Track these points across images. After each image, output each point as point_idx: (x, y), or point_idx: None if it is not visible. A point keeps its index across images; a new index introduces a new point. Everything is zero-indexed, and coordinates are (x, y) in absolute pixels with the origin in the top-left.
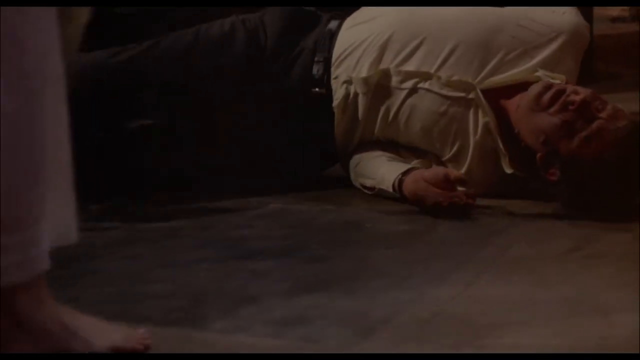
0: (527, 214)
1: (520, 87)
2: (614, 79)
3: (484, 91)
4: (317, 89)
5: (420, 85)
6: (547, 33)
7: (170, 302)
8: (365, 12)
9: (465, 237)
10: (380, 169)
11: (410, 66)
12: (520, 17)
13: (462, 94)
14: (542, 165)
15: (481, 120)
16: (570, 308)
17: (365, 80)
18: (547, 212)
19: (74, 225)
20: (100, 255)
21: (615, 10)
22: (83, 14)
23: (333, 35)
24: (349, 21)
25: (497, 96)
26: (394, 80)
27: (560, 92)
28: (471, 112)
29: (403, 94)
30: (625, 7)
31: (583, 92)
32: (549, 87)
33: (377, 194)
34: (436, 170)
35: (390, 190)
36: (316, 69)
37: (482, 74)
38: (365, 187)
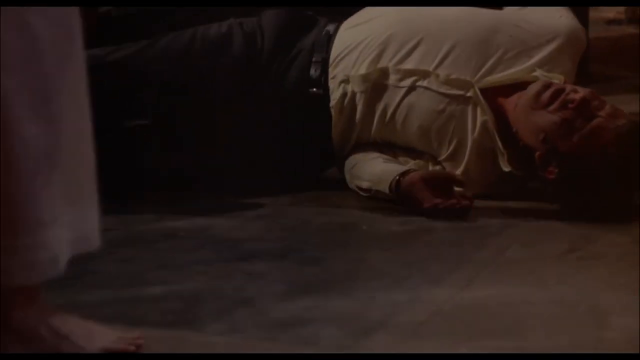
0: (524, 215)
1: (518, 86)
2: (610, 81)
3: (482, 90)
4: (314, 89)
5: (419, 83)
6: (545, 34)
7: (166, 304)
8: (363, 14)
9: (463, 238)
10: (377, 171)
11: (408, 65)
12: (517, 19)
13: (461, 92)
14: (540, 164)
15: (479, 119)
16: (568, 309)
17: (363, 78)
18: (544, 214)
19: (96, 231)
20: (97, 257)
21: (611, 13)
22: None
23: (331, 37)
24: (347, 23)
25: (495, 95)
26: (392, 79)
27: (560, 90)
28: (469, 110)
29: (401, 92)
30: (621, 10)
31: (582, 91)
32: (548, 85)
33: (373, 196)
34: (434, 172)
35: (387, 191)
36: (314, 70)
37: (480, 73)
38: (361, 189)
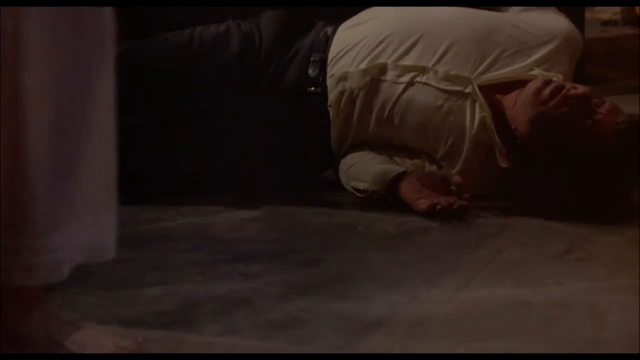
0: (519, 217)
1: (516, 84)
2: (606, 82)
3: (480, 87)
4: (312, 88)
5: (418, 79)
6: (543, 35)
7: (162, 305)
8: (362, 15)
9: (458, 240)
10: (374, 172)
11: (407, 61)
12: (516, 20)
13: (459, 88)
14: (538, 161)
15: (478, 115)
16: (563, 311)
17: (362, 73)
18: (541, 214)
19: (112, 242)
20: None
21: (606, 14)
22: None
23: (329, 37)
24: (345, 24)
25: (493, 92)
26: (391, 75)
27: (560, 87)
28: (468, 106)
29: (400, 88)
30: (617, 11)
31: (582, 88)
32: (548, 82)
33: (369, 197)
34: (432, 173)
35: (384, 192)
36: (312, 69)
37: (479, 70)
38: (357, 190)
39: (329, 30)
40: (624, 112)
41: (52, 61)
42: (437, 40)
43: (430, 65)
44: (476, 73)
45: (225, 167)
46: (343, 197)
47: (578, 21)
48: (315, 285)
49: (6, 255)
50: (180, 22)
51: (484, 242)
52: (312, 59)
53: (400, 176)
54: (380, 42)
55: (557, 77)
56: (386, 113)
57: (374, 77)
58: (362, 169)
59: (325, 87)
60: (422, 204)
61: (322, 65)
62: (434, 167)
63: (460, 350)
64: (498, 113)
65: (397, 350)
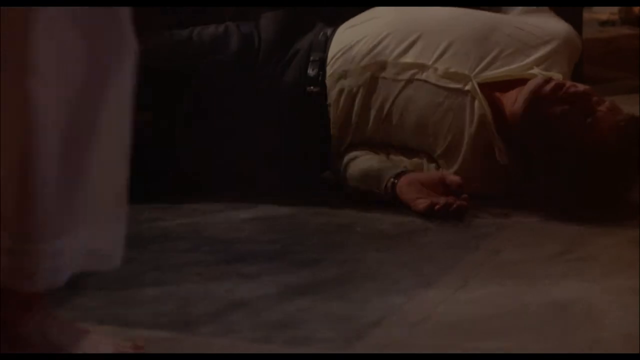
0: (516, 217)
1: (516, 83)
2: (604, 82)
3: (480, 85)
4: (311, 87)
5: (417, 76)
6: (543, 36)
7: (160, 305)
8: (362, 16)
9: (455, 240)
10: (372, 172)
11: (407, 59)
12: (515, 21)
13: (459, 86)
14: (538, 159)
15: (477, 112)
16: (560, 311)
17: (361, 70)
18: (537, 216)
19: (118, 251)
20: None
21: (604, 14)
22: None
23: (329, 37)
24: (345, 24)
25: (492, 90)
26: (391, 72)
27: (561, 84)
28: (467, 104)
29: (399, 85)
30: (615, 11)
31: (582, 86)
32: (548, 80)
33: (368, 197)
34: (431, 174)
35: (382, 193)
36: (311, 69)
37: (479, 68)
38: (355, 189)
39: (329, 31)
40: (623, 111)
41: (63, 67)
42: (437, 39)
43: (430, 63)
44: (476, 71)
45: (225, 167)
46: (342, 197)
47: (576, 21)
48: (314, 286)
49: (7, 258)
50: (180, 22)
51: (482, 243)
52: (311, 58)
53: (398, 176)
54: (380, 42)
55: (556, 77)
56: (385, 110)
57: (374, 75)
58: (360, 168)
59: (324, 86)
60: (421, 203)
61: (322, 64)
62: (433, 166)
63: (459, 350)
64: (497, 111)
65: (395, 350)
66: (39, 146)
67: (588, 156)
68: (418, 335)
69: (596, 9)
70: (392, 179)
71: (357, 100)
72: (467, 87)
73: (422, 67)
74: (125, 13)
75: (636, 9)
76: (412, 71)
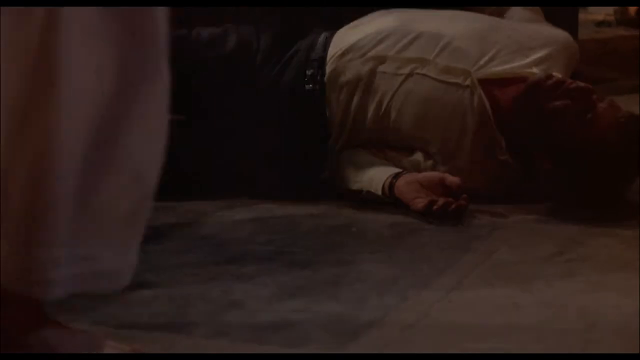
0: (512, 218)
1: (515, 81)
2: (600, 83)
3: (479, 81)
4: (310, 86)
5: (417, 70)
6: (541, 38)
7: (155, 306)
8: (362, 19)
9: (450, 241)
10: (369, 172)
11: (408, 54)
12: (514, 24)
13: (459, 81)
14: (538, 154)
15: (477, 108)
16: (554, 312)
17: (362, 64)
18: (532, 217)
19: (127, 271)
20: None
21: (600, 15)
22: None
23: (329, 38)
24: (346, 27)
25: (492, 87)
26: (391, 67)
27: (562, 80)
28: (467, 99)
29: (399, 79)
30: (611, 12)
31: (583, 83)
32: (550, 76)
33: (363, 198)
34: (431, 174)
35: (380, 193)
36: (311, 68)
37: (479, 64)
38: (352, 190)
39: (328, 33)
40: (623, 109)
41: (91, 78)
42: (437, 36)
43: (430, 58)
44: (476, 67)
45: (224, 167)
46: (336, 197)
47: (572, 22)
48: (308, 287)
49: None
50: (181, 22)
51: (476, 244)
52: (310, 57)
53: (396, 177)
54: (381, 40)
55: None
56: (384, 106)
57: (373, 69)
58: (356, 169)
59: (323, 85)
60: (419, 202)
61: (321, 63)
62: (430, 163)
63: (455, 351)
64: (497, 107)
65: (389, 351)
66: (61, 153)
67: (588, 151)
68: (414, 336)
69: (592, 9)
70: (390, 180)
71: (355, 96)
72: (467, 82)
73: (423, 62)
74: (163, 43)
75: (632, 9)
76: (413, 65)
